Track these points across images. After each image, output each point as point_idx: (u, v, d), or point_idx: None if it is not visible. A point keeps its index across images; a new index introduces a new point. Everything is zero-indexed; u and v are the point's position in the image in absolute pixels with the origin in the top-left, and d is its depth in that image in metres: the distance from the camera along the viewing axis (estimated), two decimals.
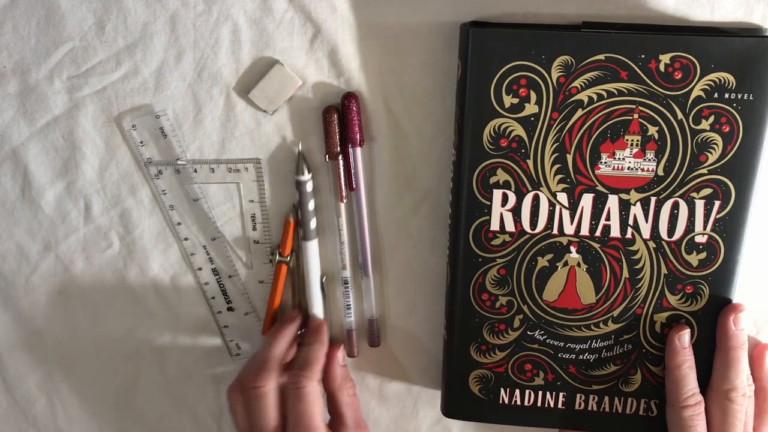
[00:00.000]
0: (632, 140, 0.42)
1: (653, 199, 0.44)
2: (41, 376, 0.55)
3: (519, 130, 0.43)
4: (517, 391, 0.49)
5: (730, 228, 0.44)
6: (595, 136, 0.42)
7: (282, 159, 0.48)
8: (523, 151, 0.43)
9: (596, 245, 0.45)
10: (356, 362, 0.53)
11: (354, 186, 0.47)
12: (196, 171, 0.48)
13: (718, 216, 0.43)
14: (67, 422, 0.57)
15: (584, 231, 0.45)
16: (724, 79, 0.41)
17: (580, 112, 0.42)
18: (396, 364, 0.53)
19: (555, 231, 0.45)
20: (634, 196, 0.44)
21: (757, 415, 0.48)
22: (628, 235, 0.45)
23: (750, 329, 0.50)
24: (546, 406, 0.49)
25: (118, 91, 0.46)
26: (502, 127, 0.43)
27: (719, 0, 0.42)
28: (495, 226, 0.45)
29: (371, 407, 0.55)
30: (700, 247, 0.44)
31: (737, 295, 0.46)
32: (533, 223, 0.45)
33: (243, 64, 0.45)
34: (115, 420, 0.57)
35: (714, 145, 0.42)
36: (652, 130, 0.42)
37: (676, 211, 0.44)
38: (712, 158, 0.42)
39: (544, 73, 0.41)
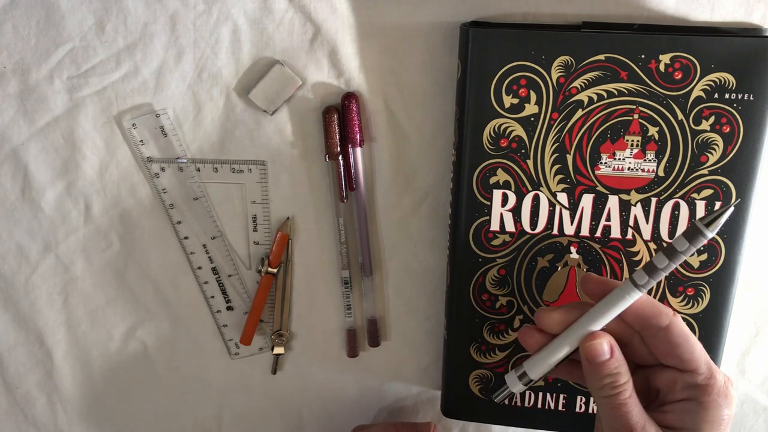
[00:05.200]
0: (632, 141, 0.42)
1: (654, 200, 0.43)
2: (41, 376, 0.55)
3: (519, 131, 0.43)
4: None
5: (731, 229, 0.43)
6: (595, 136, 0.42)
7: (283, 160, 0.48)
8: (523, 151, 0.43)
9: (597, 246, 0.45)
10: (356, 362, 0.53)
11: (354, 186, 0.47)
12: (198, 170, 0.48)
13: None
14: (67, 422, 0.57)
15: (584, 231, 0.45)
16: (724, 79, 0.40)
17: (580, 113, 0.42)
18: (396, 364, 0.53)
19: (555, 231, 0.45)
20: (634, 196, 0.43)
21: None
22: (629, 236, 0.44)
23: (750, 330, 0.50)
24: (546, 407, 0.49)
25: (118, 91, 0.46)
26: (502, 127, 0.43)
27: (719, 0, 0.41)
28: (495, 226, 0.45)
29: (371, 407, 0.55)
30: (701, 248, 0.44)
31: (737, 296, 0.45)
32: (533, 224, 0.45)
33: (243, 64, 0.45)
34: (115, 420, 0.57)
35: (714, 146, 0.42)
36: (653, 131, 0.42)
37: (677, 212, 0.44)
38: (712, 159, 0.42)
39: (544, 73, 0.41)
